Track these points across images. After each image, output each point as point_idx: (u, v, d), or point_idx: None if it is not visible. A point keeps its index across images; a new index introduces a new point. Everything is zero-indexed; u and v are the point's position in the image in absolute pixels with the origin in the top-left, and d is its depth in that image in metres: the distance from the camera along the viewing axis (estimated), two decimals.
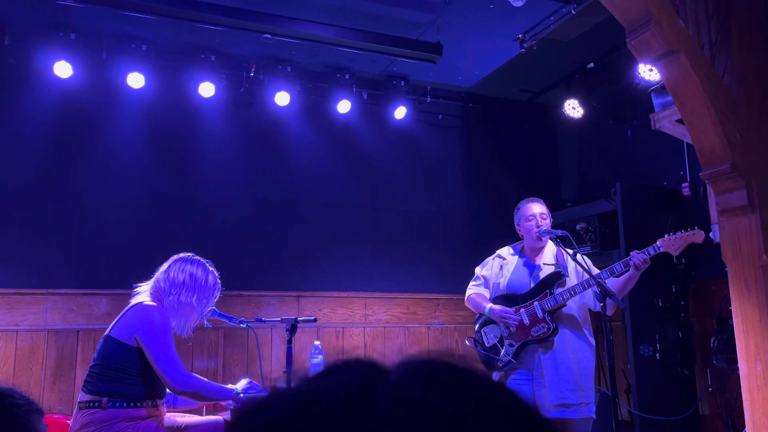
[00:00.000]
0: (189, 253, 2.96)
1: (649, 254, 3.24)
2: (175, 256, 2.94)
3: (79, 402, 2.67)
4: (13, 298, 4.27)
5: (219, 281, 2.97)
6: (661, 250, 3.26)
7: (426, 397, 0.42)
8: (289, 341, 2.97)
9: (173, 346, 2.70)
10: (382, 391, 0.43)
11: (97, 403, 2.60)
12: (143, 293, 2.87)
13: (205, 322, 2.96)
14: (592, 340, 3.48)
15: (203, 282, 2.86)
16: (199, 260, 2.94)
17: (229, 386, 2.78)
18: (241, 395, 2.69)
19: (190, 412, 3.20)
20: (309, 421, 0.42)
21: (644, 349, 4.39)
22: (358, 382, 0.44)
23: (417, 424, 0.40)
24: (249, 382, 2.85)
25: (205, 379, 2.75)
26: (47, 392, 4.23)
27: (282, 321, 3.08)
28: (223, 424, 2.74)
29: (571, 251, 3.30)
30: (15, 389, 1.34)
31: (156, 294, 2.82)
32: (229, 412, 2.81)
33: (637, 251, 3.23)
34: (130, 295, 2.92)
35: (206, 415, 3.00)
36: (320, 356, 3.35)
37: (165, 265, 2.91)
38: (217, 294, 2.96)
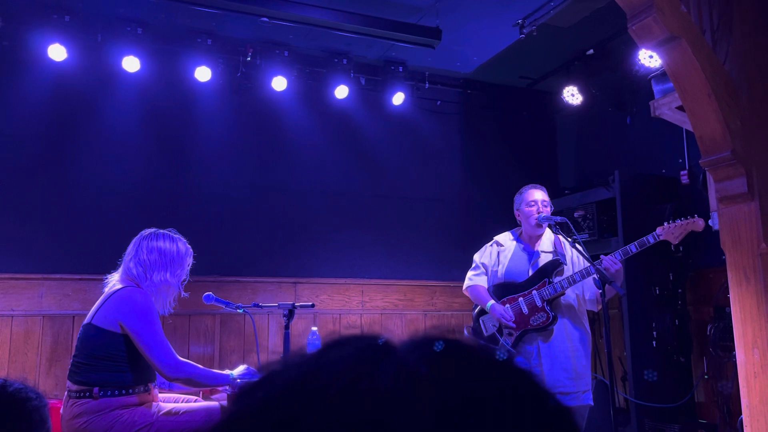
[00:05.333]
0: (150, 229, 2.89)
1: (649, 242, 3.23)
2: (138, 237, 2.87)
3: (69, 391, 2.62)
4: (8, 282, 4.24)
5: (189, 246, 2.90)
6: (661, 238, 3.24)
7: (431, 373, 0.40)
8: (287, 326, 2.96)
9: (162, 331, 2.65)
10: (386, 365, 0.41)
11: (87, 393, 2.54)
12: (116, 281, 2.80)
13: (182, 292, 2.88)
14: (589, 329, 3.48)
15: (174, 253, 2.80)
16: (163, 232, 2.86)
17: (226, 372, 2.76)
18: (238, 381, 2.67)
19: (186, 395, 3.18)
20: (308, 394, 0.40)
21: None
22: (361, 356, 0.42)
23: (420, 400, 0.39)
24: (246, 368, 2.82)
25: (200, 366, 2.71)
26: (43, 377, 4.22)
27: (279, 306, 3.06)
28: (220, 410, 2.73)
29: (570, 239, 3.28)
30: (23, 382, 1.32)
31: (131, 279, 2.75)
32: (225, 397, 2.79)
33: (610, 255, 3.22)
34: (102, 284, 2.86)
35: (202, 400, 2.99)
36: (317, 342, 3.34)
37: (131, 248, 2.84)
38: (190, 260, 2.89)
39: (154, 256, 2.76)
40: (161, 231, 2.87)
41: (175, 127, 4.86)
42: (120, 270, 2.83)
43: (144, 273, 2.74)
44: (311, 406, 0.39)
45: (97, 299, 2.78)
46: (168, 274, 2.76)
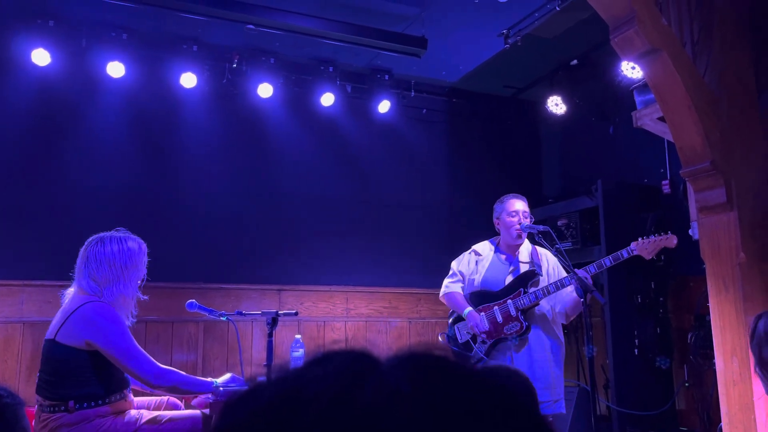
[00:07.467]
0: (96, 236, 2.74)
1: (623, 257, 3.27)
2: (84, 248, 2.71)
3: (40, 405, 2.55)
4: None
5: (142, 242, 2.77)
6: (635, 253, 3.29)
7: (413, 390, 0.41)
8: (270, 335, 2.95)
9: (134, 341, 2.59)
10: (369, 383, 0.41)
11: (62, 407, 2.47)
12: (74, 293, 2.68)
13: (141, 296, 2.77)
14: (562, 338, 3.52)
15: (127, 256, 2.67)
16: (110, 235, 2.72)
17: (209, 379, 2.74)
18: (221, 389, 2.66)
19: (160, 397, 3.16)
20: (291, 412, 0.40)
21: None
22: (345, 372, 0.43)
23: (402, 419, 0.39)
24: (231, 376, 2.80)
25: (182, 373, 2.68)
26: (23, 384, 4.16)
27: (263, 314, 3.06)
28: (202, 418, 2.71)
29: (547, 250, 3.31)
30: None
31: (89, 291, 2.63)
32: (208, 406, 2.77)
33: (584, 270, 3.24)
34: (60, 298, 2.75)
35: (185, 408, 2.97)
36: (301, 350, 3.33)
37: (80, 261, 2.69)
38: (145, 258, 2.76)
39: (105, 268, 2.62)
40: (107, 235, 2.72)
41: (160, 133, 4.84)
42: (74, 285, 2.70)
43: (99, 288, 2.62)
44: (294, 423, 0.40)
45: None
46: (122, 285, 2.63)
